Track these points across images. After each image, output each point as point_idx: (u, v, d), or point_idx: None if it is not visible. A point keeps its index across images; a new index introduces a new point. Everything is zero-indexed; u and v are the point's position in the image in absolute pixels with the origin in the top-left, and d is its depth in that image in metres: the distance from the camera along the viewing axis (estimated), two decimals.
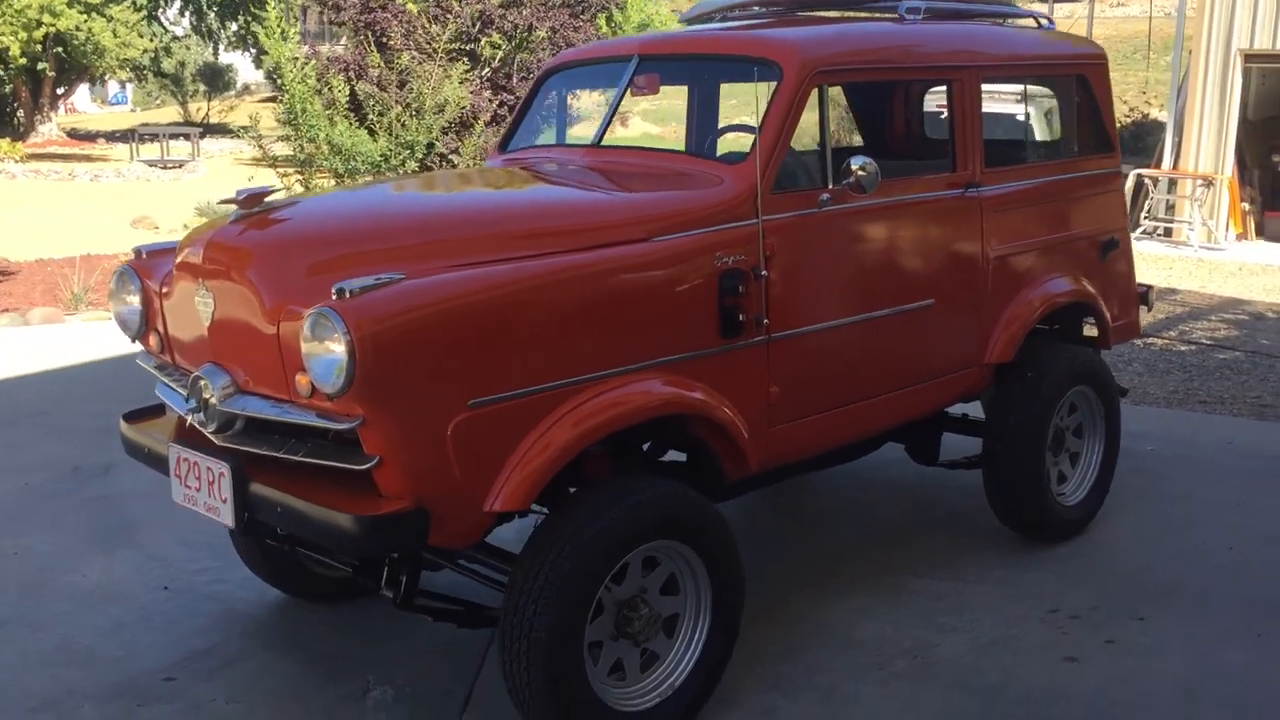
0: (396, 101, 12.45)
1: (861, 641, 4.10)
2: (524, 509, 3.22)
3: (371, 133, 12.28)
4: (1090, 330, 5.30)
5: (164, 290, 3.59)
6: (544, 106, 4.64)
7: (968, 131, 4.47)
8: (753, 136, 5.46)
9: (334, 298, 2.96)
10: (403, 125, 12.30)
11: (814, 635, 4.13)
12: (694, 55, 4.25)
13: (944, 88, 4.54)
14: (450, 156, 12.65)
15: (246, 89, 44.22)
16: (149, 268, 3.71)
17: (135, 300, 3.71)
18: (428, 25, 13.19)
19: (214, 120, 35.04)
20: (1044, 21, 5.27)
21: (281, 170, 12.46)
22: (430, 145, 12.27)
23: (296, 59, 12.33)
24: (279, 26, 12.38)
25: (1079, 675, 3.85)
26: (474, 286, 3.14)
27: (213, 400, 3.30)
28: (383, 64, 12.93)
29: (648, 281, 3.48)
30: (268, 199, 3.39)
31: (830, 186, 3.91)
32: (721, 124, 5.05)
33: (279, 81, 12.40)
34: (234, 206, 3.35)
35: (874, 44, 4.27)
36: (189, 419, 3.40)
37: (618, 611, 3.39)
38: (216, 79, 40.43)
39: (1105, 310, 5.12)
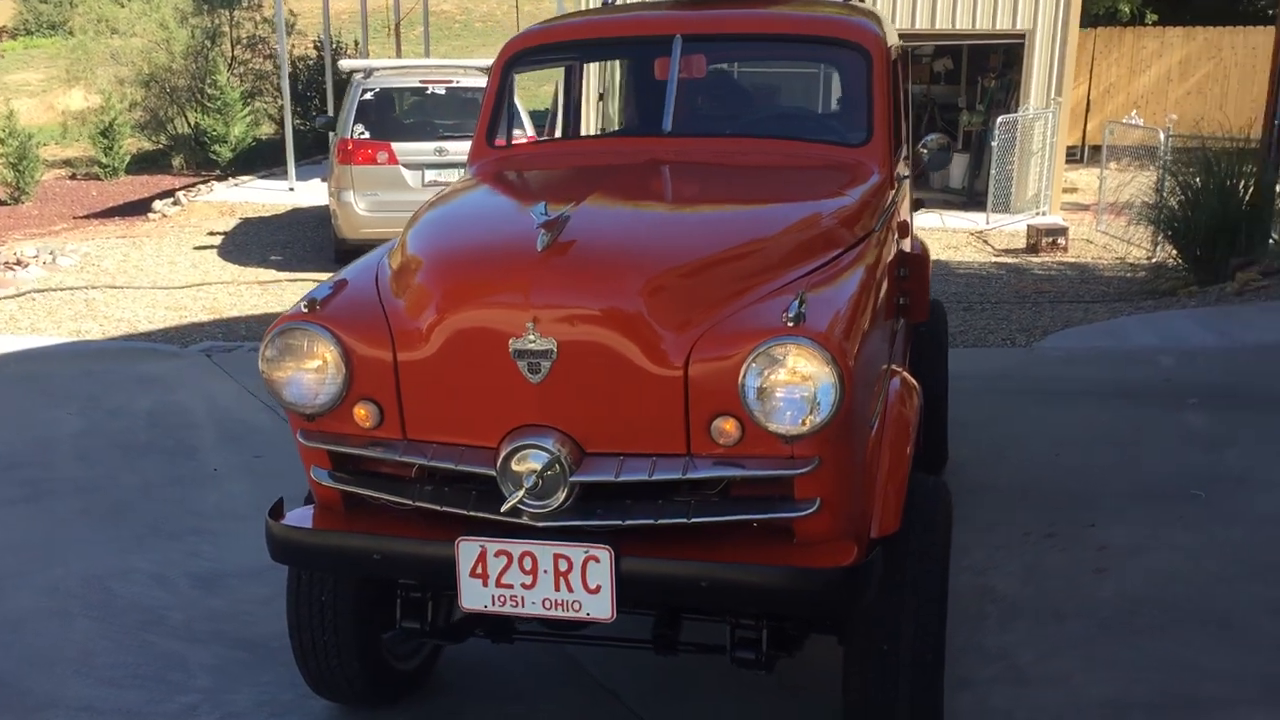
0: None
1: None
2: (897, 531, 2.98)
3: None
4: None
5: (402, 343, 2.74)
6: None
7: None
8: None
9: (788, 323, 2.55)
10: None
11: None
12: (756, 36, 4.03)
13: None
14: None
15: None
16: (345, 319, 2.79)
17: (329, 365, 2.77)
18: None
19: None
20: None
21: None
22: None
23: None
24: None
25: (1129, 579, 4.37)
26: (857, 292, 2.88)
27: (554, 470, 2.65)
28: None
29: (887, 270, 3.38)
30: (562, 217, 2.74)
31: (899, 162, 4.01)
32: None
33: None
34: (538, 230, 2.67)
35: (892, 28, 4.37)
36: (511, 501, 2.66)
37: None
38: None
39: None
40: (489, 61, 13.78)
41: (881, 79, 3.82)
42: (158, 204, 16.61)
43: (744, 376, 2.55)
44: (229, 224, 15.03)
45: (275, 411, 6.42)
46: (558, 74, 5.52)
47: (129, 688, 3.72)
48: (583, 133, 4.79)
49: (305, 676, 3.47)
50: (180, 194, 17.28)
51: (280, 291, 10.99)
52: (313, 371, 2.79)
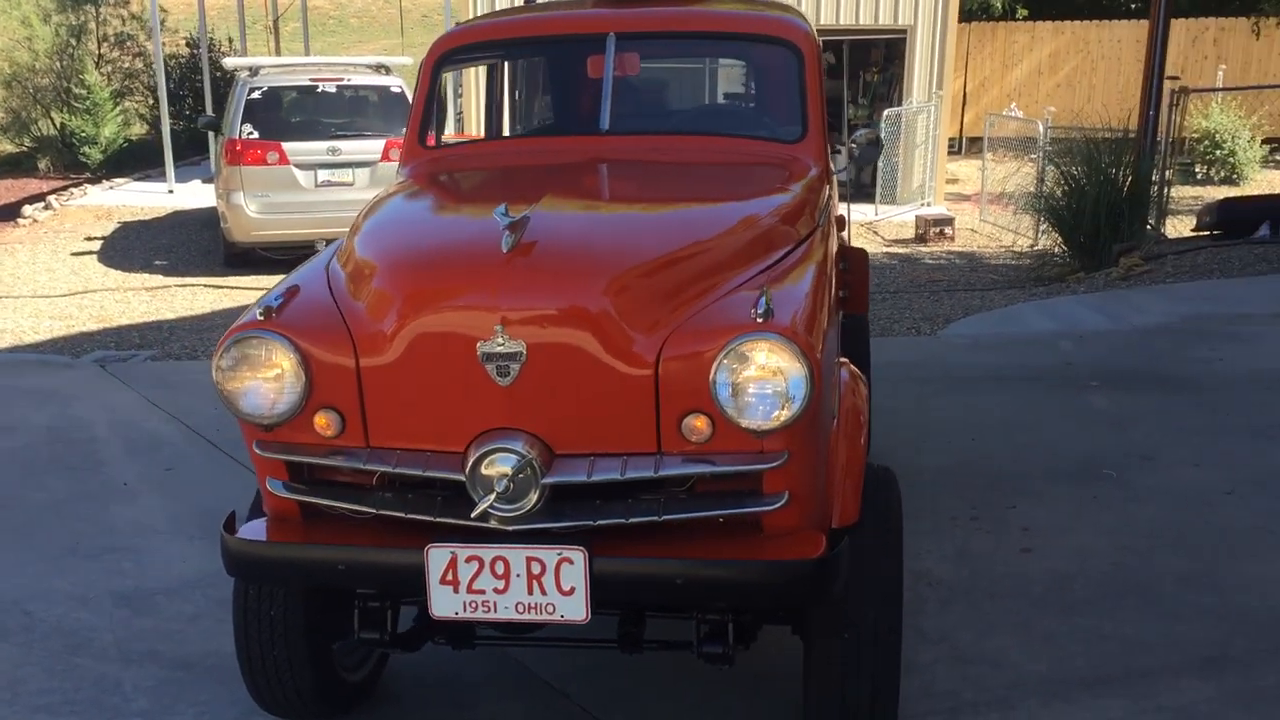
0: None
1: None
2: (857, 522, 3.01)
3: None
4: None
5: (364, 349, 2.68)
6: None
7: None
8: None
9: (757, 320, 2.57)
10: None
11: None
12: (689, 34, 4.03)
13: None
14: None
15: None
16: (303, 326, 2.71)
17: (288, 373, 2.69)
18: None
19: None
20: None
21: None
22: None
23: None
24: None
25: (1055, 558, 4.50)
26: (813, 286, 2.90)
27: (525, 474, 2.62)
28: None
29: (833, 264, 3.42)
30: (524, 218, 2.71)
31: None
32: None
33: None
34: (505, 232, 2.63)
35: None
36: (482, 505, 2.62)
37: None
38: None
39: None
40: (379, 59, 13.62)
41: (813, 75, 3.87)
42: (27, 209, 15.95)
43: (715, 373, 2.56)
44: (107, 228, 14.55)
45: (181, 422, 6.24)
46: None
47: (64, 714, 3.57)
48: (504, 132, 4.74)
49: (253, 693, 3.38)
50: (51, 198, 16.64)
51: (170, 297, 10.67)
52: (270, 381, 2.71)
